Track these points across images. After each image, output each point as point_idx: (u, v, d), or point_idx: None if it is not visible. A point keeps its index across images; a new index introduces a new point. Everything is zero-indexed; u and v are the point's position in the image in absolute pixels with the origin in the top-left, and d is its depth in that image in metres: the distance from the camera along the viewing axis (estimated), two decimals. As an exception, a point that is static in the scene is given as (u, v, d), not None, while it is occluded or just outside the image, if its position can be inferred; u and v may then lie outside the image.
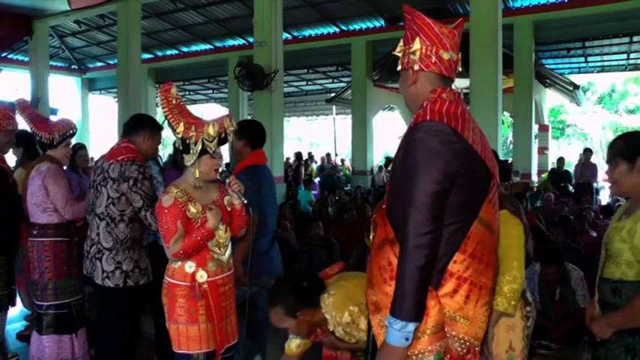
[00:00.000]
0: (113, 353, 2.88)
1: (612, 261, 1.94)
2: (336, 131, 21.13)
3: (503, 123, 10.33)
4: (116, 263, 2.76)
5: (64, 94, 18.10)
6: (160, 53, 15.70)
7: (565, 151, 21.07)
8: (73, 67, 17.48)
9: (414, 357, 1.47)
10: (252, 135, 3.08)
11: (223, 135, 2.26)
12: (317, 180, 13.42)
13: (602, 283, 2.00)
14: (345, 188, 11.53)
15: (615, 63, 13.84)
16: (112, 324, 2.88)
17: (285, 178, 10.06)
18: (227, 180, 2.37)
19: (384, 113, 18.06)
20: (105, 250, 2.78)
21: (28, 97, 12.02)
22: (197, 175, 2.28)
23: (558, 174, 10.18)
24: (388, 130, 22.85)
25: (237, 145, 3.05)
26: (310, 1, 11.23)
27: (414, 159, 1.45)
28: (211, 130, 2.20)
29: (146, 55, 14.66)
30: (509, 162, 11.71)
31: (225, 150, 2.60)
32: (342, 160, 18.51)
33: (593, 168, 9.80)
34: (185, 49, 15.06)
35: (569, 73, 14.67)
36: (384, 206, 1.64)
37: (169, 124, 2.30)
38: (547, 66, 13.04)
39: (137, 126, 2.99)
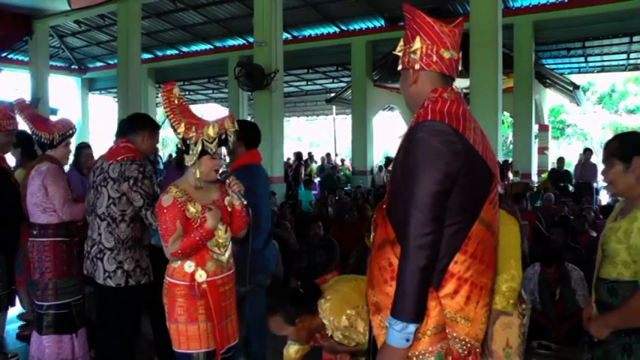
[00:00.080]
0: (113, 353, 2.89)
1: (609, 261, 1.94)
2: (336, 131, 21.13)
3: (503, 123, 10.35)
4: (117, 263, 2.77)
5: (64, 94, 18.09)
6: (160, 53, 15.70)
7: (565, 151, 21.06)
8: (73, 67, 17.48)
9: (414, 358, 1.47)
10: (247, 135, 3.08)
11: (224, 136, 2.26)
12: (317, 180, 13.42)
13: (598, 283, 2.01)
14: (345, 188, 11.53)
15: (615, 63, 13.85)
16: (113, 324, 2.88)
17: (285, 178, 10.05)
18: (227, 180, 2.37)
19: (384, 113, 18.05)
20: (106, 250, 2.78)
21: (28, 97, 12.02)
22: (197, 176, 2.29)
23: (558, 174, 10.18)
24: (388, 130, 22.84)
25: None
26: (310, 1, 11.23)
27: (415, 159, 1.45)
28: (211, 131, 2.21)
29: (146, 55, 14.66)
30: (509, 162, 11.75)
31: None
32: (342, 160, 18.51)
33: (593, 168, 9.79)
34: (185, 49, 15.07)
35: (569, 73, 14.67)
36: (384, 206, 1.63)
37: (171, 125, 2.30)
38: (547, 66, 13.04)
39: (136, 126, 2.99)
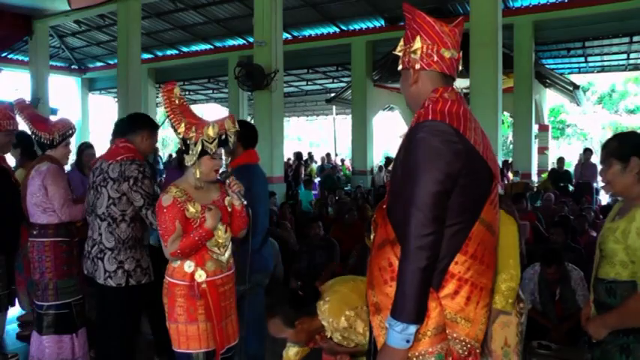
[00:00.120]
0: (113, 353, 2.89)
1: (607, 261, 1.94)
2: (336, 131, 21.13)
3: (503, 123, 10.34)
4: (118, 263, 2.77)
5: (64, 94, 18.11)
6: (160, 53, 15.70)
7: (565, 151, 21.06)
8: (73, 67, 17.48)
9: (414, 359, 1.46)
10: (245, 135, 3.09)
11: (224, 136, 2.26)
12: (317, 180, 13.42)
13: (596, 283, 2.01)
14: (345, 188, 11.53)
15: (615, 63, 13.85)
16: (113, 324, 2.88)
17: (285, 178, 10.05)
18: (227, 181, 2.37)
19: (384, 113, 18.05)
20: (107, 250, 2.78)
21: (28, 97, 12.02)
22: (197, 176, 2.29)
23: (558, 174, 10.18)
24: (388, 130, 22.85)
25: None
26: (310, 1, 11.23)
27: (416, 159, 1.44)
28: (211, 132, 2.21)
29: (146, 55, 14.66)
30: (509, 162, 11.75)
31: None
32: (342, 160, 18.51)
33: (593, 168, 9.79)
34: (185, 49, 15.07)
35: (569, 73, 14.67)
36: (384, 206, 1.63)
37: (171, 124, 2.31)
38: (547, 66, 13.04)
39: (135, 126, 2.99)
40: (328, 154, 17.29)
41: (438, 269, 1.46)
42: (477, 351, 1.54)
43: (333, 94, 16.25)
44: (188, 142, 2.24)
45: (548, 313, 4.05)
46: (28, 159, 3.75)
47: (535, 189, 9.56)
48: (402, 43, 1.63)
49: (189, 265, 2.27)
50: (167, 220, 2.22)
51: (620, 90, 24.65)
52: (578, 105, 18.19)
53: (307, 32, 12.90)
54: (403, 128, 17.32)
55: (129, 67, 10.76)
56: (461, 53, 1.61)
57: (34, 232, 3.08)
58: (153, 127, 3.06)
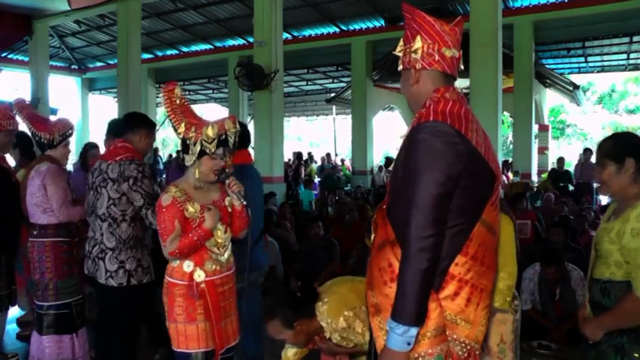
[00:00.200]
0: (114, 353, 2.89)
1: (602, 262, 1.95)
2: (336, 131, 21.13)
3: (503, 123, 10.34)
4: (119, 263, 2.77)
5: (64, 94, 18.10)
6: (160, 53, 15.70)
7: (565, 151, 21.07)
8: (73, 67, 17.49)
9: None
10: None
11: (223, 137, 2.25)
12: (317, 180, 13.42)
13: (592, 283, 2.02)
14: (345, 188, 11.53)
15: (615, 63, 13.85)
16: (114, 323, 2.88)
17: (285, 178, 10.06)
18: (227, 181, 2.37)
19: (384, 113, 18.05)
20: (108, 250, 2.79)
21: (28, 97, 12.02)
22: (197, 176, 2.29)
23: (558, 174, 10.18)
24: (388, 130, 22.85)
25: None
26: (310, 1, 11.23)
27: (417, 160, 1.43)
28: (210, 132, 2.20)
29: (146, 55, 14.66)
30: (509, 162, 11.75)
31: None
32: (342, 160, 18.51)
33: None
34: (185, 49, 15.07)
35: (569, 73, 14.68)
36: (384, 207, 1.62)
37: (172, 124, 2.31)
38: (547, 66, 13.04)
39: (133, 125, 2.99)
40: (328, 154, 17.29)
41: (438, 270, 1.45)
42: (477, 352, 1.54)
43: (333, 94, 16.25)
44: (188, 142, 2.24)
45: (548, 313, 4.05)
46: (28, 159, 3.75)
47: (535, 189, 9.56)
48: (401, 43, 1.62)
49: (188, 265, 2.27)
50: (166, 219, 2.22)
51: (620, 90, 24.66)
52: (578, 105, 18.19)
53: (307, 32, 12.90)
54: (403, 128, 17.33)
55: (129, 67, 10.77)
56: (461, 52, 1.60)
57: (34, 233, 3.08)
58: (150, 126, 3.06)
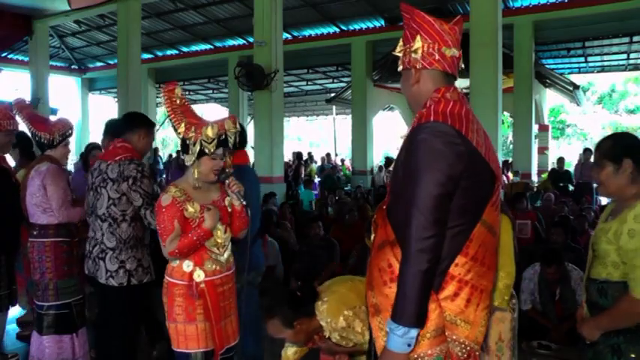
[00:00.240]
0: (115, 353, 2.89)
1: (599, 262, 1.96)
2: (336, 131, 21.13)
3: (503, 123, 10.33)
4: (120, 262, 2.77)
5: (64, 94, 18.11)
6: (160, 53, 15.70)
7: (565, 151, 21.07)
8: (73, 67, 17.49)
9: None
10: None
11: (223, 137, 2.25)
12: (317, 180, 13.42)
13: (589, 283, 2.03)
14: (345, 188, 11.52)
15: (615, 63, 13.85)
16: (114, 323, 2.88)
17: (285, 178, 10.06)
18: (227, 181, 2.37)
19: (384, 113, 18.05)
20: (108, 250, 2.79)
21: (28, 97, 12.02)
22: (196, 176, 2.29)
23: (558, 174, 10.18)
24: (388, 130, 22.85)
25: None
26: (310, 1, 11.23)
27: (417, 160, 1.42)
28: (210, 132, 2.20)
29: (146, 55, 14.66)
30: (509, 162, 11.75)
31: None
32: (342, 160, 18.51)
33: (593, 168, 9.76)
34: (185, 49, 15.07)
35: (569, 73, 14.68)
36: (384, 207, 1.62)
37: (172, 124, 2.31)
38: (547, 66, 13.04)
39: (132, 125, 2.99)
40: (328, 154, 17.29)
41: (437, 271, 1.44)
42: (477, 353, 1.53)
43: (333, 94, 16.25)
44: (187, 142, 2.24)
45: (548, 313, 4.05)
46: (27, 159, 3.75)
47: (535, 189, 9.55)
48: (401, 43, 1.62)
49: (187, 265, 2.27)
50: (166, 219, 2.23)
51: (620, 90, 24.66)
52: (578, 105, 18.19)
53: (307, 32, 12.90)
54: (403, 128, 17.33)
55: (129, 67, 10.76)
56: (461, 52, 1.60)
57: (35, 233, 3.08)
58: (149, 125, 3.06)
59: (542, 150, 12.82)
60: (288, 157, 15.18)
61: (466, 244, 1.47)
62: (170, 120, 2.31)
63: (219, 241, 2.32)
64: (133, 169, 2.76)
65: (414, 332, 1.39)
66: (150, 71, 15.95)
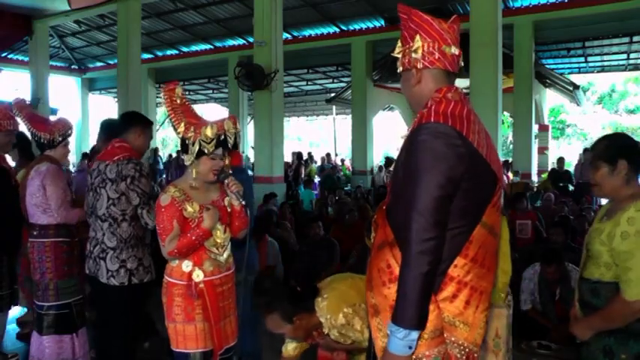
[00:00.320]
0: (116, 353, 2.89)
1: (592, 262, 1.97)
2: (336, 131, 21.13)
3: (503, 123, 10.34)
4: (120, 262, 2.77)
5: (64, 94, 18.10)
6: (160, 53, 15.70)
7: (565, 151, 21.07)
8: (73, 67, 17.49)
9: None
10: None
11: (223, 137, 2.25)
12: (317, 180, 13.42)
13: (581, 283, 2.04)
14: (345, 188, 11.52)
15: (615, 63, 13.85)
16: (115, 323, 2.88)
17: (285, 178, 10.06)
18: (226, 181, 2.37)
19: (384, 113, 18.06)
20: (109, 250, 2.79)
21: (28, 97, 12.02)
22: (194, 176, 2.29)
23: (558, 174, 10.17)
24: (388, 130, 22.85)
25: None
26: (310, 1, 11.23)
27: (417, 161, 1.41)
28: (209, 132, 2.20)
29: (146, 55, 14.66)
30: (509, 162, 11.74)
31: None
32: (342, 160, 18.50)
33: (593, 168, 9.75)
34: (185, 49, 15.07)
35: (569, 73, 14.68)
36: (384, 207, 1.61)
37: (172, 124, 2.31)
38: (547, 66, 13.04)
39: (128, 124, 2.99)
40: (328, 154, 17.28)
41: (437, 272, 1.43)
42: (476, 355, 1.52)
43: (333, 94, 16.25)
44: (187, 141, 2.24)
45: (548, 313, 4.05)
46: (27, 159, 3.75)
47: (535, 189, 9.55)
48: (399, 44, 1.61)
49: (187, 265, 2.27)
50: (165, 219, 2.23)
51: (620, 90, 24.67)
52: (578, 105, 18.19)
53: (307, 32, 12.90)
54: (403, 128, 17.32)
55: (129, 67, 10.77)
56: (461, 50, 1.59)
57: (35, 233, 3.08)
58: (145, 123, 3.05)
59: (542, 150, 12.82)
60: (288, 157, 15.17)
61: (466, 246, 1.46)
62: (170, 119, 2.31)
63: (218, 241, 2.32)
64: (131, 169, 2.76)
65: (415, 334, 1.39)
66: (150, 71, 15.96)
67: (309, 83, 17.17)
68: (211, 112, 22.72)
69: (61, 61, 16.78)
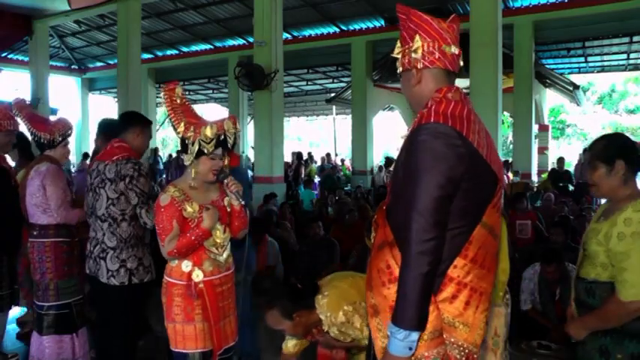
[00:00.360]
0: (116, 352, 2.89)
1: (588, 262, 1.98)
2: (336, 131, 21.13)
3: (503, 123, 10.34)
4: (120, 262, 2.78)
5: (64, 94, 18.10)
6: (160, 53, 15.70)
7: (565, 151, 21.08)
8: (73, 67, 17.49)
9: None
10: None
11: (222, 137, 2.25)
12: (317, 180, 13.42)
13: (577, 282, 2.05)
14: (345, 188, 11.52)
15: (615, 63, 13.85)
16: (115, 323, 2.88)
17: (285, 178, 10.06)
18: (225, 181, 2.37)
19: (384, 113, 18.06)
20: (109, 250, 2.79)
21: (28, 97, 12.02)
22: (193, 176, 2.29)
23: (558, 174, 10.17)
24: (388, 130, 22.85)
25: None
26: (310, 1, 11.23)
27: (417, 162, 1.41)
28: (208, 132, 2.20)
29: (146, 55, 14.66)
30: (509, 162, 11.74)
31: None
32: (342, 160, 18.50)
33: (593, 168, 9.75)
34: (185, 49, 15.07)
35: (569, 73, 14.68)
36: (384, 207, 1.61)
37: (172, 124, 2.31)
38: (547, 66, 13.04)
39: (127, 124, 2.99)
40: (328, 154, 17.28)
41: (436, 272, 1.42)
42: (475, 356, 1.51)
43: (333, 94, 16.25)
44: (187, 141, 2.24)
45: (548, 313, 4.05)
46: (26, 159, 3.75)
47: (535, 189, 9.55)
48: (398, 44, 1.60)
49: (186, 265, 2.27)
50: (164, 219, 2.23)
51: (620, 90, 24.67)
52: (578, 105, 18.20)
53: (307, 32, 12.90)
54: (403, 128, 17.33)
55: (129, 67, 10.77)
56: (461, 49, 1.59)
57: (35, 233, 3.08)
58: (144, 122, 3.05)
59: (542, 150, 12.82)
60: (288, 157, 15.17)
61: (465, 246, 1.46)
62: (170, 119, 2.31)
63: (218, 241, 2.32)
64: (129, 168, 2.76)
65: (415, 335, 1.38)
66: (150, 71, 15.96)
67: (309, 83, 17.17)
68: (211, 112, 22.72)
69: (61, 61, 16.78)
